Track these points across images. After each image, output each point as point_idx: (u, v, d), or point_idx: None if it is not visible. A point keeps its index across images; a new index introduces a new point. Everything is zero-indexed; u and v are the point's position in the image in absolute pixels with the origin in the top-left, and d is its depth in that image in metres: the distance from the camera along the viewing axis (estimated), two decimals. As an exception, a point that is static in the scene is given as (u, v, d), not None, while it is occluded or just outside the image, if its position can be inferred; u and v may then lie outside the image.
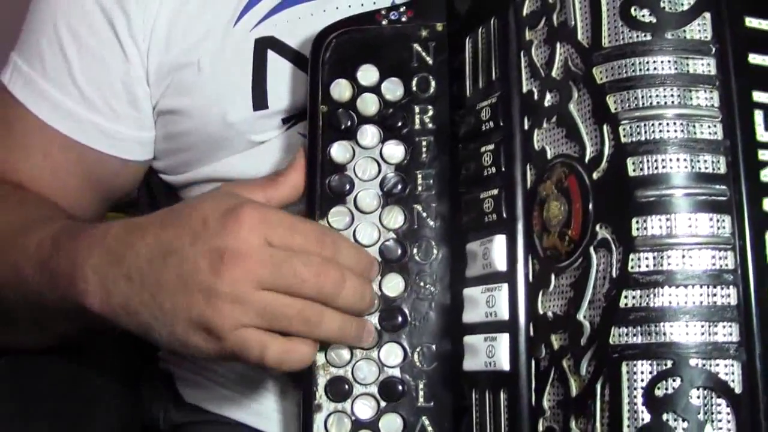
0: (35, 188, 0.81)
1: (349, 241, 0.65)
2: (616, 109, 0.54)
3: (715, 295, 0.51)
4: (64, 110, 0.79)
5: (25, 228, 0.72)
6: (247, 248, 0.60)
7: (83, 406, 0.79)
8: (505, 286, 0.59)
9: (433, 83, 0.68)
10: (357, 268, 0.63)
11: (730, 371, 0.51)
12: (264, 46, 0.76)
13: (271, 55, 0.76)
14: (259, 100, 0.76)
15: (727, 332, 0.51)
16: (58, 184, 0.81)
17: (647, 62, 0.54)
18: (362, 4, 0.75)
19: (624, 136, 0.53)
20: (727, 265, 0.52)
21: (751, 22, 0.54)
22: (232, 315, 0.60)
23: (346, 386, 0.65)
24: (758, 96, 0.53)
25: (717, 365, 0.51)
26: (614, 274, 0.53)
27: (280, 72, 0.76)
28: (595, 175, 0.55)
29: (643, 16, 0.54)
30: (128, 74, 0.79)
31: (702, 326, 0.51)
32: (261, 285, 0.60)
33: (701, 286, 0.51)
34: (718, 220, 0.52)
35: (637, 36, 0.54)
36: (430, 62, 0.69)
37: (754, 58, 0.54)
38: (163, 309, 0.61)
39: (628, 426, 0.51)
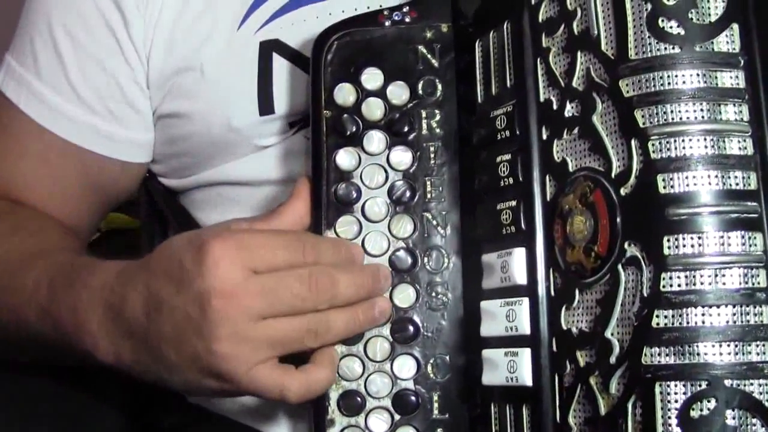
0: (34, 195, 0.79)
1: (326, 239, 0.64)
2: (644, 124, 0.53)
3: (747, 314, 0.51)
4: (59, 112, 0.77)
5: (19, 264, 0.70)
6: (232, 285, 0.57)
7: (84, 407, 0.78)
8: (525, 301, 0.58)
9: (439, 86, 0.66)
10: (340, 260, 0.62)
11: (764, 390, 0.50)
12: (269, 49, 0.74)
13: (276, 59, 0.74)
14: (265, 105, 0.74)
15: (760, 351, 0.51)
16: (57, 191, 0.79)
17: (676, 76, 0.53)
18: (368, 7, 0.73)
19: (653, 152, 0.52)
20: (759, 283, 0.51)
21: (779, 33, 0.53)
22: (242, 356, 0.58)
23: (359, 400, 0.64)
24: (788, 110, 0.53)
25: (751, 385, 0.50)
26: (645, 293, 0.52)
27: (285, 75, 0.74)
28: (623, 191, 0.54)
29: (671, 27, 0.53)
30: (126, 76, 0.77)
31: (735, 346, 0.51)
32: (260, 316, 0.58)
33: (734, 306, 0.51)
34: (749, 238, 0.51)
35: (665, 48, 0.53)
36: (436, 64, 0.67)
37: (783, 71, 0.53)
38: (170, 361, 0.60)
39: (663, 447, 0.51)
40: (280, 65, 0.75)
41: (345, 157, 0.66)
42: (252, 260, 0.58)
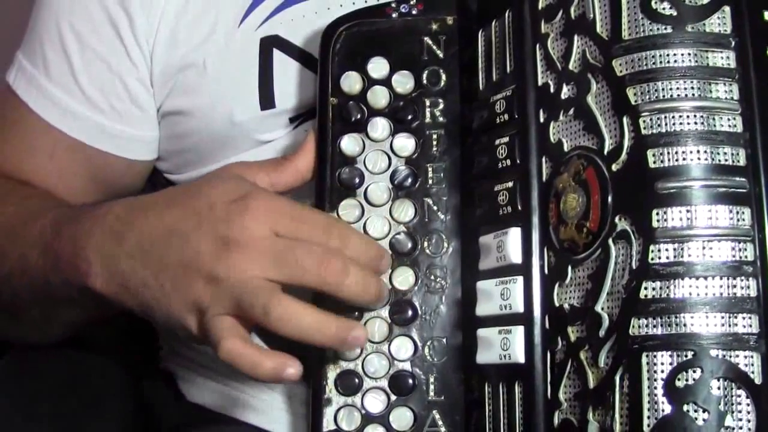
0: (42, 188, 0.80)
1: (358, 232, 0.64)
2: (636, 101, 0.54)
3: (734, 286, 0.51)
4: (67, 110, 0.79)
5: (28, 218, 0.71)
6: (250, 238, 0.59)
7: (84, 406, 0.78)
8: (520, 279, 0.59)
9: (443, 76, 0.68)
10: (364, 259, 0.62)
11: (749, 362, 0.51)
12: (269, 45, 0.76)
13: (277, 54, 0.76)
14: (266, 100, 0.76)
15: (747, 323, 0.51)
16: (63, 186, 0.81)
17: (667, 55, 0.54)
18: (366, 1, 0.75)
19: (644, 128, 0.54)
20: (746, 256, 0.52)
21: (770, 16, 0.55)
22: (221, 299, 0.59)
23: (357, 380, 0.64)
24: (777, 89, 0.54)
25: (737, 356, 0.51)
26: (634, 266, 0.53)
27: (286, 71, 0.76)
28: (614, 167, 0.55)
29: (664, 9, 0.54)
30: (131, 75, 0.78)
31: (722, 317, 0.51)
32: (263, 274, 0.59)
33: (721, 278, 0.52)
34: (737, 212, 0.52)
35: (658, 28, 0.54)
36: (441, 55, 0.68)
37: (773, 52, 0.54)
38: (164, 289, 0.61)
39: (648, 417, 0.51)
40: (281, 60, 0.76)
41: (349, 143, 0.67)
42: (277, 224, 0.60)
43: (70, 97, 0.79)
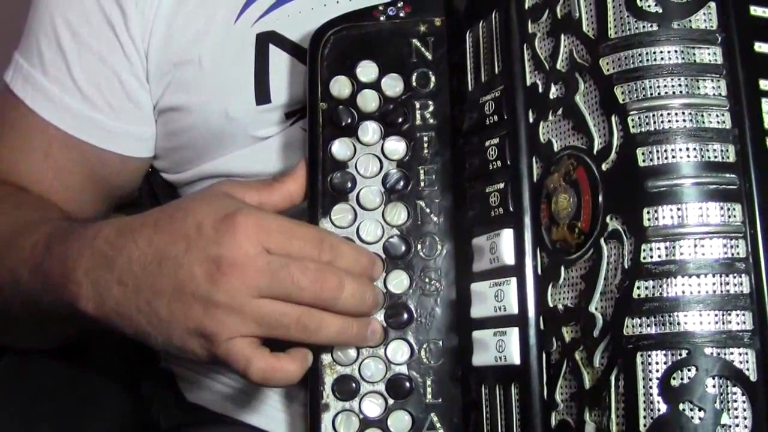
0: (37, 189, 0.80)
1: (348, 243, 0.64)
2: (624, 99, 0.54)
3: (727, 283, 0.51)
4: (62, 107, 0.79)
5: (20, 231, 0.71)
6: (244, 257, 0.59)
7: (84, 406, 0.79)
8: (513, 280, 0.59)
9: (432, 78, 0.68)
10: (357, 269, 0.63)
11: (744, 359, 0.51)
12: (265, 40, 0.76)
13: (273, 50, 0.76)
14: (262, 95, 0.76)
15: (741, 320, 0.51)
16: (59, 184, 0.81)
17: (654, 52, 0.54)
18: None
19: (633, 126, 0.53)
20: (738, 253, 0.52)
21: (756, 10, 0.54)
22: (229, 324, 0.59)
23: (354, 385, 0.64)
24: (765, 84, 0.54)
25: (731, 354, 0.51)
26: (626, 265, 0.53)
27: (282, 66, 0.76)
28: (604, 167, 0.55)
29: (649, 6, 0.54)
30: (127, 72, 0.78)
31: (716, 315, 0.51)
32: (259, 293, 0.59)
33: (714, 275, 0.51)
34: (728, 209, 0.52)
35: (644, 26, 0.54)
36: (430, 57, 0.68)
37: (760, 47, 0.54)
38: (159, 316, 0.60)
39: (645, 416, 0.51)
40: (277, 56, 0.76)
41: (340, 148, 0.67)
42: (267, 240, 0.59)
43: (66, 94, 0.79)
